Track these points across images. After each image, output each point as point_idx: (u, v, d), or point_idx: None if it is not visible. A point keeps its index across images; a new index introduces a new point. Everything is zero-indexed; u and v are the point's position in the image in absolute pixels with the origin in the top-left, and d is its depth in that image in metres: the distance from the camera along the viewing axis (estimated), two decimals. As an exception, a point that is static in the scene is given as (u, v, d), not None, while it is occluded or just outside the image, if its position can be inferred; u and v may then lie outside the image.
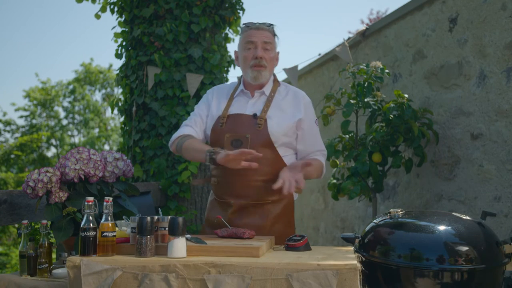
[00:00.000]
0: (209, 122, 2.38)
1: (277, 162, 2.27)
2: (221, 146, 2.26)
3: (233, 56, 4.54)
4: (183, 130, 2.41)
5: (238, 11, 4.48)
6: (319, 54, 5.17)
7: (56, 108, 20.37)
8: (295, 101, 2.37)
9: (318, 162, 2.38)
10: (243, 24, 2.40)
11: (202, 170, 4.18)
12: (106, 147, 20.71)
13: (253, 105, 2.34)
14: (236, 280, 1.63)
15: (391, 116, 3.28)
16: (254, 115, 2.29)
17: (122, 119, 4.52)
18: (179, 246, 1.73)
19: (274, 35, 2.38)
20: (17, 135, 18.83)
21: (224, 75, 4.38)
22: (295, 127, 2.32)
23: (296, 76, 4.33)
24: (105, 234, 1.79)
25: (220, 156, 2.12)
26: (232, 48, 6.47)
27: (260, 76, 2.31)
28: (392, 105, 3.30)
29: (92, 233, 1.79)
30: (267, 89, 2.38)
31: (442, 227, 1.80)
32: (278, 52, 2.42)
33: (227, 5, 4.39)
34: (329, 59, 5.13)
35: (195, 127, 2.41)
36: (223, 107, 2.36)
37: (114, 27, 4.56)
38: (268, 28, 2.35)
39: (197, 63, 4.17)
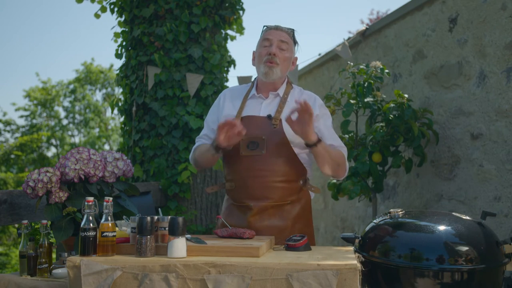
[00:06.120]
0: None
1: (294, 162, 2.26)
2: (236, 149, 2.26)
3: (233, 56, 4.59)
4: (196, 145, 2.48)
5: (238, 11, 4.48)
6: (319, 54, 5.17)
7: (56, 108, 20.36)
8: (309, 102, 2.35)
9: (338, 150, 2.30)
10: (264, 25, 2.42)
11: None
12: (106, 147, 20.71)
13: (267, 107, 2.34)
14: (236, 280, 1.63)
15: (391, 116, 3.28)
16: (269, 116, 2.28)
17: (122, 119, 4.52)
18: (179, 246, 1.73)
19: (293, 40, 2.39)
20: (17, 135, 18.83)
21: (224, 75, 4.38)
22: None
23: (296, 76, 4.33)
24: (105, 234, 1.79)
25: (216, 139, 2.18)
26: (232, 48, 6.46)
27: (271, 72, 2.30)
28: (392, 105, 3.30)
29: (92, 233, 1.79)
30: (281, 91, 2.37)
31: (442, 227, 1.80)
32: (296, 58, 2.43)
33: (227, 5, 4.39)
34: (329, 59, 5.13)
35: (207, 140, 2.44)
36: (237, 109, 2.35)
37: (113, 27, 4.56)
38: (287, 30, 2.37)
39: (197, 63, 4.17)
